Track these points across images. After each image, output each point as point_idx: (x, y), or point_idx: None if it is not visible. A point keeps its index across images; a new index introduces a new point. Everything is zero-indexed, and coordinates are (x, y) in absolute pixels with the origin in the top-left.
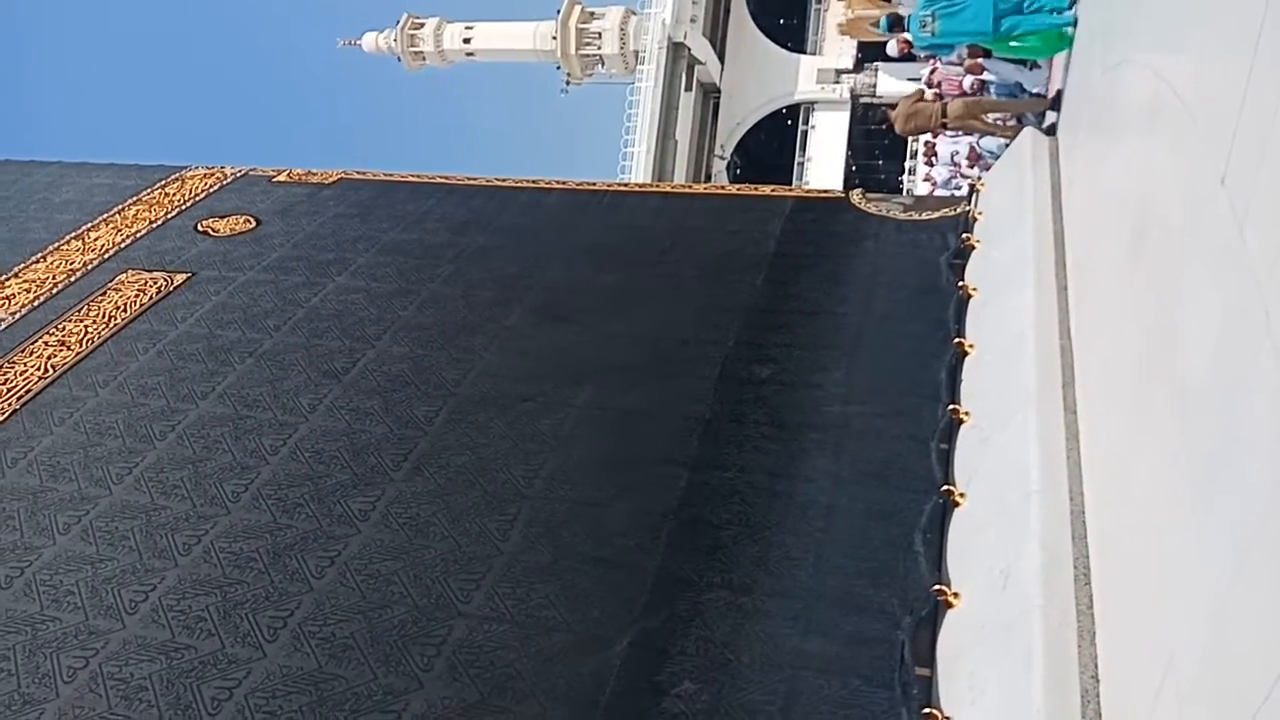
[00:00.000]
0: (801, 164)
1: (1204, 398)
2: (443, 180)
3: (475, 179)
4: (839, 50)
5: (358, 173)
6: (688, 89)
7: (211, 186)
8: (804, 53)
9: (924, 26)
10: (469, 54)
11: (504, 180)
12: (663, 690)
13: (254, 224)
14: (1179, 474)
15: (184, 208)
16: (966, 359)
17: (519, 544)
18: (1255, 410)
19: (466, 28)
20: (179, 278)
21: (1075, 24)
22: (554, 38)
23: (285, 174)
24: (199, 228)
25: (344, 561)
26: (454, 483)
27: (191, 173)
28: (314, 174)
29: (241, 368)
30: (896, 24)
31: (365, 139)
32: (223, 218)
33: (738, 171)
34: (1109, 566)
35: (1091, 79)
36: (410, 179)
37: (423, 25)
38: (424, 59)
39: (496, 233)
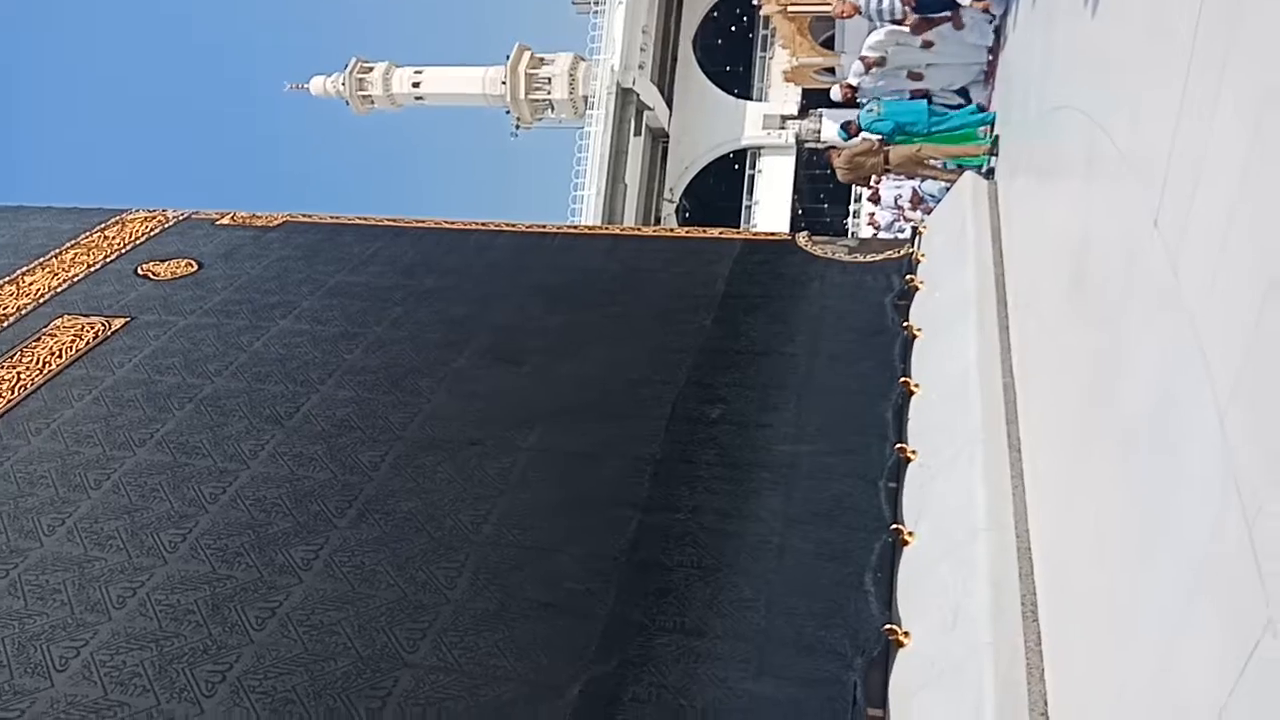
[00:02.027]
0: (749, 207)
1: (1144, 435)
2: (390, 223)
3: (424, 221)
4: (784, 97)
5: (303, 215)
6: (636, 134)
7: (153, 230)
8: (750, 99)
9: (870, 110)
10: (418, 98)
11: (453, 222)
12: None
13: (196, 267)
14: (1122, 511)
15: (124, 251)
16: (913, 398)
17: (467, 591)
18: (1194, 447)
19: (416, 72)
20: (117, 322)
21: (993, 123)
22: (503, 82)
23: (229, 217)
24: (139, 271)
25: (285, 612)
26: (400, 529)
27: (132, 216)
28: (259, 217)
29: (181, 414)
30: (849, 126)
31: (314, 183)
32: (164, 261)
33: (687, 215)
34: (1056, 603)
35: (1028, 125)
36: (357, 221)
37: (371, 69)
38: (373, 103)
39: (445, 275)
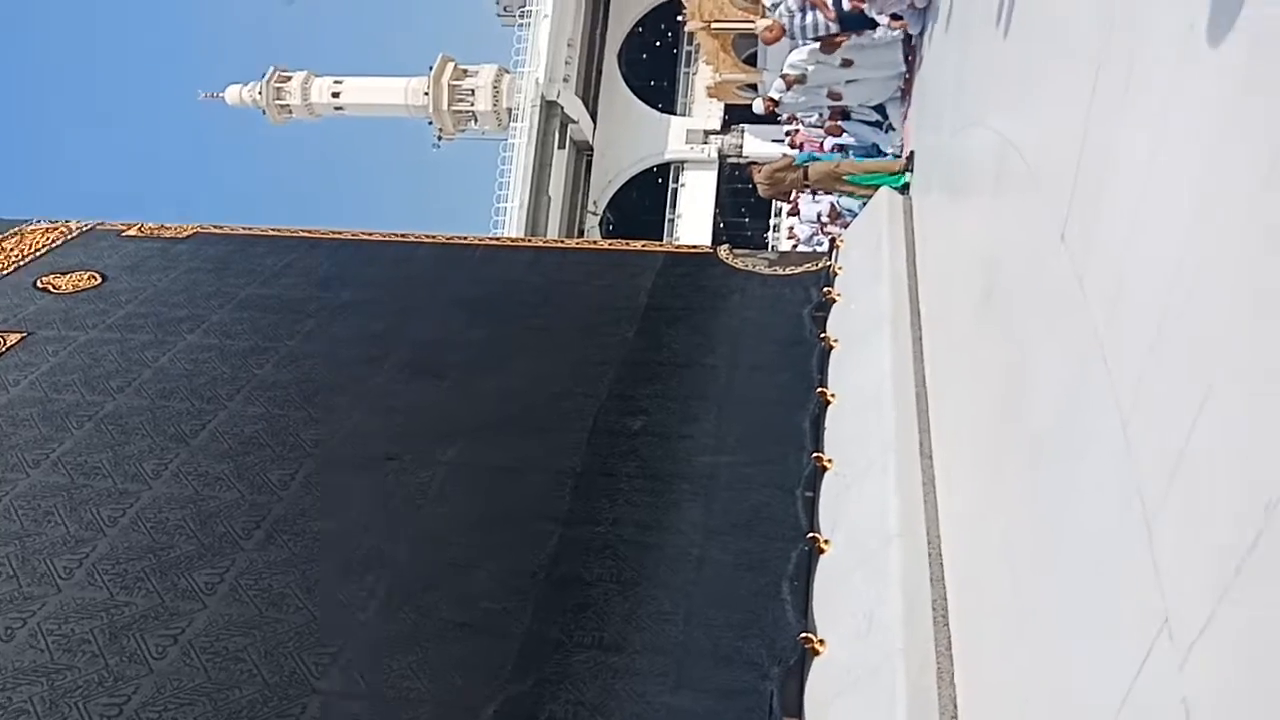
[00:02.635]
0: (672, 220)
1: (1050, 445)
2: (306, 234)
3: (340, 233)
4: (707, 112)
5: (214, 226)
6: (561, 146)
7: (54, 241)
8: (674, 114)
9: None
10: (338, 108)
11: (371, 234)
12: None
13: (99, 280)
14: (1028, 517)
15: (22, 263)
16: (829, 408)
17: (379, 613)
18: (1098, 453)
19: (335, 81)
20: (13, 337)
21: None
22: (426, 93)
23: (136, 228)
24: (38, 284)
25: (188, 640)
26: (310, 550)
27: (32, 227)
28: (167, 228)
29: (79, 433)
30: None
31: (228, 193)
32: (65, 274)
33: (610, 227)
34: (965, 609)
35: (942, 141)
36: (270, 232)
37: (290, 78)
38: (290, 112)
39: (363, 287)
